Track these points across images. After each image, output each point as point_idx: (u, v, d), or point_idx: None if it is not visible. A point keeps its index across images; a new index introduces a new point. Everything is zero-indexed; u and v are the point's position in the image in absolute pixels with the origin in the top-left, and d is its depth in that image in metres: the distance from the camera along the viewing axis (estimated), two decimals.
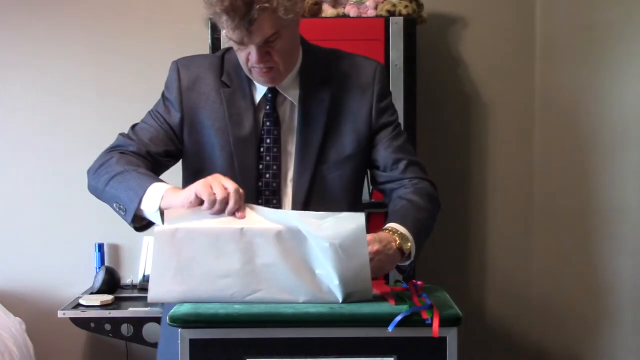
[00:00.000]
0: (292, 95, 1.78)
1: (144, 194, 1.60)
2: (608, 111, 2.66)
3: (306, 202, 1.73)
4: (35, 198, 3.16)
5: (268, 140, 1.76)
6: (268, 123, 1.77)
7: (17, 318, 2.92)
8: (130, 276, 3.10)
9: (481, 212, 3.18)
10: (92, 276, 3.03)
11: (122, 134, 1.83)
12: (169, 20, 3.13)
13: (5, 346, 2.61)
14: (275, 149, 1.76)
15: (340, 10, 2.79)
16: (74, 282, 3.10)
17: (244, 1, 1.58)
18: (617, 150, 2.61)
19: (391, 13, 2.72)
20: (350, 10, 2.76)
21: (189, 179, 1.78)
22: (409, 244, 1.60)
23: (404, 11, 2.71)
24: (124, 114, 3.13)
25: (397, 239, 1.58)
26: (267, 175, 1.76)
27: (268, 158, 1.76)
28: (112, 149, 1.80)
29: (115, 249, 3.17)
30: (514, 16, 3.14)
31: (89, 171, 1.81)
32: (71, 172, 3.16)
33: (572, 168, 2.91)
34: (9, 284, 3.16)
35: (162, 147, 1.79)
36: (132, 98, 3.15)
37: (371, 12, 2.74)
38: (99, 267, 3.05)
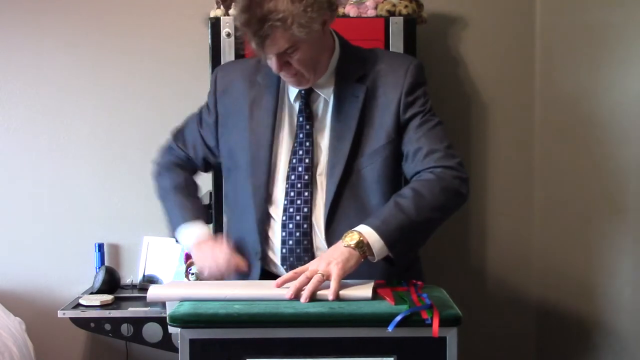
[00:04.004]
0: (326, 93, 1.84)
1: (178, 228, 1.87)
2: (608, 111, 2.66)
3: (337, 193, 1.79)
4: (35, 198, 3.16)
5: (301, 135, 1.83)
6: (301, 118, 1.84)
7: (17, 318, 2.92)
8: (130, 276, 3.10)
9: (481, 212, 3.18)
10: (92, 276, 3.03)
11: (173, 136, 2.04)
12: (169, 19, 3.13)
13: (5, 346, 2.61)
14: (307, 143, 1.82)
15: (340, 10, 2.79)
16: (74, 282, 3.10)
17: (258, 18, 1.66)
18: (617, 149, 2.61)
19: (391, 13, 2.72)
20: (350, 10, 2.76)
21: (225, 175, 1.97)
22: (354, 239, 1.61)
23: (404, 11, 2.71)
24: (124, 114, 3.16)
25: (349, 242, 1.61)
26: (300, 169, 1.82)
27: (301, 152, 1.82)
28: (164, 154, 2.03)
29: (115, 249, 3.17)
30: (514, 16, 3.14)
31: (152, 174, 2.06)
32: (71, 172, 3.16)
33: (572, 168, 2.91)
34: (9, 284, 3.16)
35: (201, 153, 1.98)
36: (132, 98, 3.15)
37: (371, 12, 2.74)
38: (99, 267, 3.05)
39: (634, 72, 2.49)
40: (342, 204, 1.78)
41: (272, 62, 1.76)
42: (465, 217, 3.17)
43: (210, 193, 2.71)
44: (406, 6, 2.72)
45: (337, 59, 1.85)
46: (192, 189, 1.96)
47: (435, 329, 1.42)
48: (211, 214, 2.69)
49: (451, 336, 1.45)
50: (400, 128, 1.81)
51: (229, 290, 1.56)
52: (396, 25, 2.67)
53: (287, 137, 1.85)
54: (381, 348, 1.46)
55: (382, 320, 1.44)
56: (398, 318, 1.42)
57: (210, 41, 2.67)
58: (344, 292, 1.54)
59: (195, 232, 1.85)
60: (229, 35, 2.64)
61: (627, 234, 2.55)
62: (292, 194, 1.81)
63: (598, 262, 2.72)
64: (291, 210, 1.80)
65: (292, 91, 1.86)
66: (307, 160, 1.81)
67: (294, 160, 1.82)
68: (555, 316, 3.03)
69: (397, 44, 2.65)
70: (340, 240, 1.62)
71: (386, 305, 1.50)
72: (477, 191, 3.17)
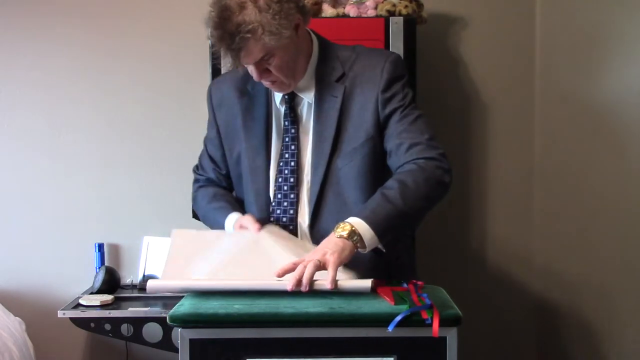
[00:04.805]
0: (308, 95, 1.87)
1: (225, 226, 1.91)
2: (608, 111, 2.66)
3: (320, 194, 1.82)
4: (35, 198, 3.16)
5: (287, 139, 1.87)
6: (286, 123, 1.88)
7: (17, 318, 2.92)
8: (130, 276, 3.10)
9: (481, 212, 3.18)
10: (92, 276, 3.03)
11: (194, 168, 2.11)
12: (168, 20, 3.13)
13: (5, 346, 2.61)
14: (293, 147, 1.86)
15: (340, 10, 2.79)
16: (74, 282, 3.10)
17: (229, 33, 1.70)
18: (617, 149, 2.61)
19: (391, 13, 2.72)
20: (350, 10, 2.76)
21: (235, 183, 2.00)
22: (346, 230, 1.62)
23: (404, 11, 2.71)
24: (124, 114, 3.16)
25: (340, 233, 1.62)
26: (286, 172, 1.86)
27: (287, 155, 1.87)
28: (194, 183, 2.09)
29: (115, 249, 3.17)
30: (514, 16, 3.14)
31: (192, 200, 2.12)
32: (71, 172, 3.16)
33: (572, 168, 2.91)
34: (9, 284, 3.16)
35: (222, 171, 2.01)
36: (132, 98, 3.15)
37: (371, 12, 2.74)
38: (99, 267, 3.05)
39: (634, 72, 2.49)
40: (325, 204, 1.82)
41: (252, 71, 1.80)
42: (465, 218, 3.18)
43: None
44: (406, 6, 2.72)
45: (316, 60, 1.88)
46: (219, 197, 1.99)
47: (435, 329, 1.43)
48: None
49: (451, 336, 1.45)
50: (380, 125, 1.82)
51: (230, 281, 1.57)
52: (396, 25, 2.67)
53: (276, 142, 1.89)
54: (381, 348, 1.46)
55: (382, 320, 1.44)
56: (398, 318, 1.43)
57: (210, 41, 2.67)
58: (343, 283, 1.55)
59: (230, 221, 1.90)
60: None
61: (629, 234, 2.55)
62: (279, 196, 1.86)
63: (599, 260, 2.72)
64: (278, 212, 1.85)
65: (278, 95, 1.89)
66: (292, 163, 1.85)
67: (281, 164, 1.86)
68: (555, 314, 3.03)
69: (397, 44, 2.65)
70: (333, 232, 1.64)
71: (386, 305, 1.50)
72: (477, 191, 3.17)
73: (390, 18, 2.69)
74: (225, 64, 2.56)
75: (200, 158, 2.08)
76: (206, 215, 2.01)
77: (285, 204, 1.84)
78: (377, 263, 1.75)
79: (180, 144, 3.15)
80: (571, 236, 2.92)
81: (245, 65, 1.79)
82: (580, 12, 2.86)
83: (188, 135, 3.13)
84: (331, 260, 1.56)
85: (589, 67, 2.77)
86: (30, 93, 3.15)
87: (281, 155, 1.87)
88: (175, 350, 1.49)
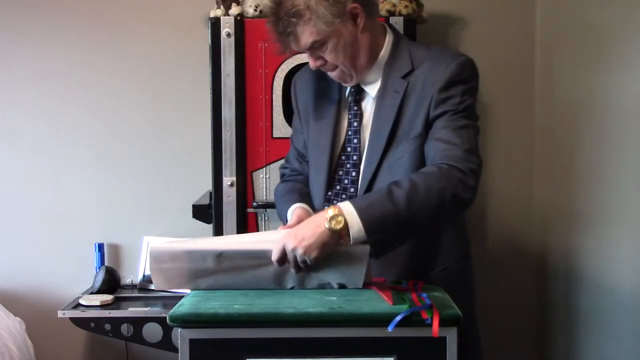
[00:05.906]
0: (373, 89, 1.85)
1: (288, 215, 1.87)
2: (608, 111, 2.66)
3: (369, 188, 1.80)
4: (35, 198, 3.16)
5: (350, 132, 1.86)
6: (350, 116, 1.87)
7: (17, 318, 2.92)
8: (130, 276, 3.10)
9: (481, 212, 3.18)
10: (92, 276, 3.03)
11: (280, 168, 2.13)
12: (169, 20, 3.13)
13: (5, 346, 2.61)
14: (355, 141, 1.85)
15: None
16: (74, 282, 3.10)
17: (278, 16, 1.71)
18: (617, 149, 2.61)
19: (391, 13, 2.72)
20: None
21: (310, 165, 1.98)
22: (340, 224, 1.57)
23: (404, 11, 2.72)
24: (124, 114, 3.16)
25: (333, 225, 1.57)
26: (348, 165, 1.85)
27: (349, 149, 1.85)
28: (280, 177, 2.11)
29: (115, 249, 3.17)
30: (514, 16, 3.14)
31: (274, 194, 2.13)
32: (71, 172, 3.17)
33: (572, 168, 2.91)
34: (9, 284, 3.16)
35: (307, 156, 1.99)
36: (132, 98, 3.15)
37: None
38: (99, 267, 3.05)
39: (634, 72, 2.49)
40: None
41: (308, 59, 1.81)
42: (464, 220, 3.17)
43: (210, 193, 2.71)
44: (406, 6, 2.72)
45: (387, 55, 1.84)
46: (294, 191, 1.95)
47: (435, 329, 1.43)
48: (211, 214, 2.69)
49: (451, 336, 1.45)
50: (428, 124, 1.76)
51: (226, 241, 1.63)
52: (396, 25, 2.66)
53: (342, 132, 1.88)
54: (381, 348, 1.46)
55: (382, 320, 1.44)
56: (398, 318, 1.43)
57: (210, 41, 2.67)
58: (341, 248, 1.59)
59: (290, 210, 1.88)
60: (229, 35, 2.64)
61: (627, 235, 2.55)
62: (337, 187, 1.85)
63: (599, 261, 2.72)
64: (335, 202, 1.80)
65: (347, 88, 1.89)
66: (354, 157, 1.84)
67: (343, 157, 1.85)
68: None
69: None
70: (325, 212, 1.59)
71: (386, 305, 1.50)
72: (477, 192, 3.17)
73: (390, 18, 2.69)
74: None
75: (288, 153, 2.09)
76: (279, 209, 1.98)
77: (344, 196, 1.82)
78: (415, 272, 1.74)
79: (180, 145, 3.15)
80: (570, 234, 2.92)
81: (296, 51, 1.79)
82: (580, 11, 2.86)
83: (188, 135, 3.14)
84: (313, 259, 1.58)
85: (589, 67, 2.77)
86: (30, 93, 3.15)
87: (343, 149, 1.85)
88: (175, 350, 1.49)
